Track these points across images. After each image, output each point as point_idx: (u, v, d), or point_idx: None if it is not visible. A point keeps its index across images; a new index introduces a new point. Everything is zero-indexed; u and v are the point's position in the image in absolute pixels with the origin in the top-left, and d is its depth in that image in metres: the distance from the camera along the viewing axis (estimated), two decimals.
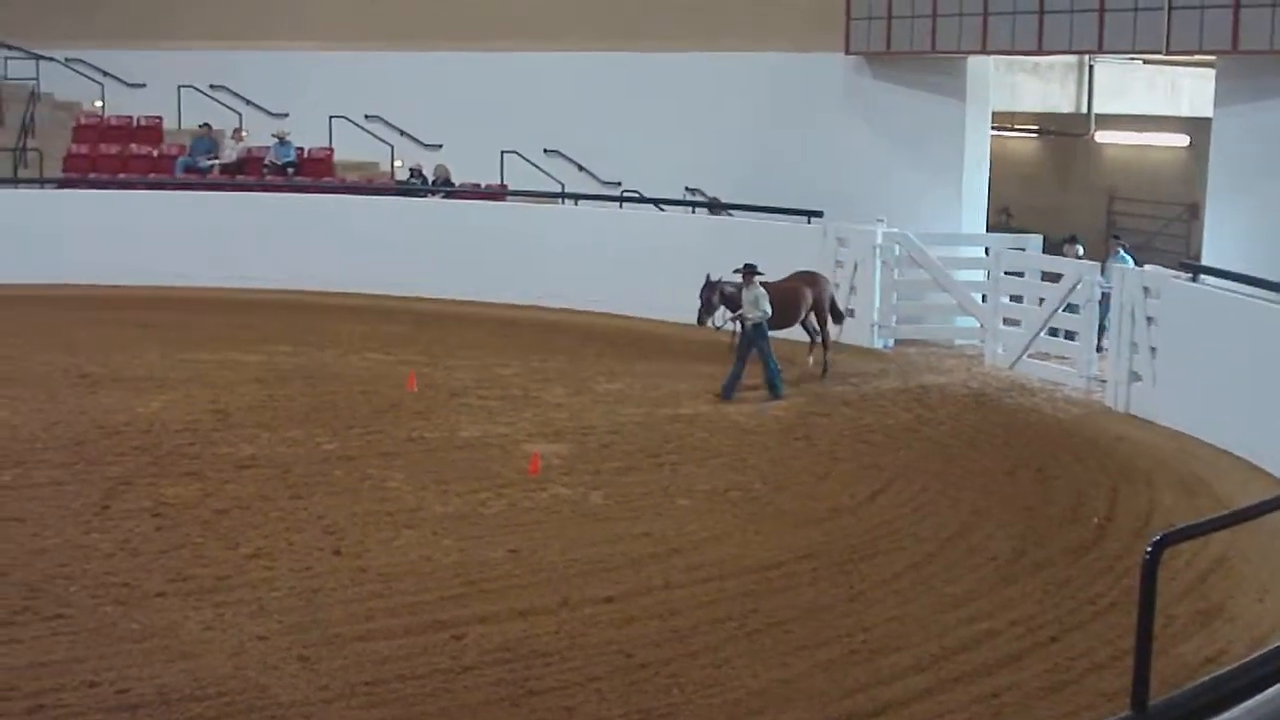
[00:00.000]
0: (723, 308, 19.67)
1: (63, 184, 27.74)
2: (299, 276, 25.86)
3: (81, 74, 29.68)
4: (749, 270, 19.23)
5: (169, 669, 10.26)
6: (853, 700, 10.15)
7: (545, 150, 27.91)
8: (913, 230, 23.17)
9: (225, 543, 12.99)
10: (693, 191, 26.83)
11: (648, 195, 26.33)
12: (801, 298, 20.53)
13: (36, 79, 29.63)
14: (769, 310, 19.15)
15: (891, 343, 23.29)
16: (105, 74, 29.85)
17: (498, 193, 27.67)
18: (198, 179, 28.23)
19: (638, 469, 15.91)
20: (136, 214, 26.38)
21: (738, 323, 19.50)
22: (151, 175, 28.48)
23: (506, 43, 28.24)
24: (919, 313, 24.18)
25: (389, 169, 29.13)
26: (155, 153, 29.10)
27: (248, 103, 29.53)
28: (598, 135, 27.58)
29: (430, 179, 27.54)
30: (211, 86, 29.29)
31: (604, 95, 27.50)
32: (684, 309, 20.43)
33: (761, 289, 19.22)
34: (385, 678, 10.28)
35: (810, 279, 20.95)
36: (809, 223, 23.71)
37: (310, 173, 28.78)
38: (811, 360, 20.90)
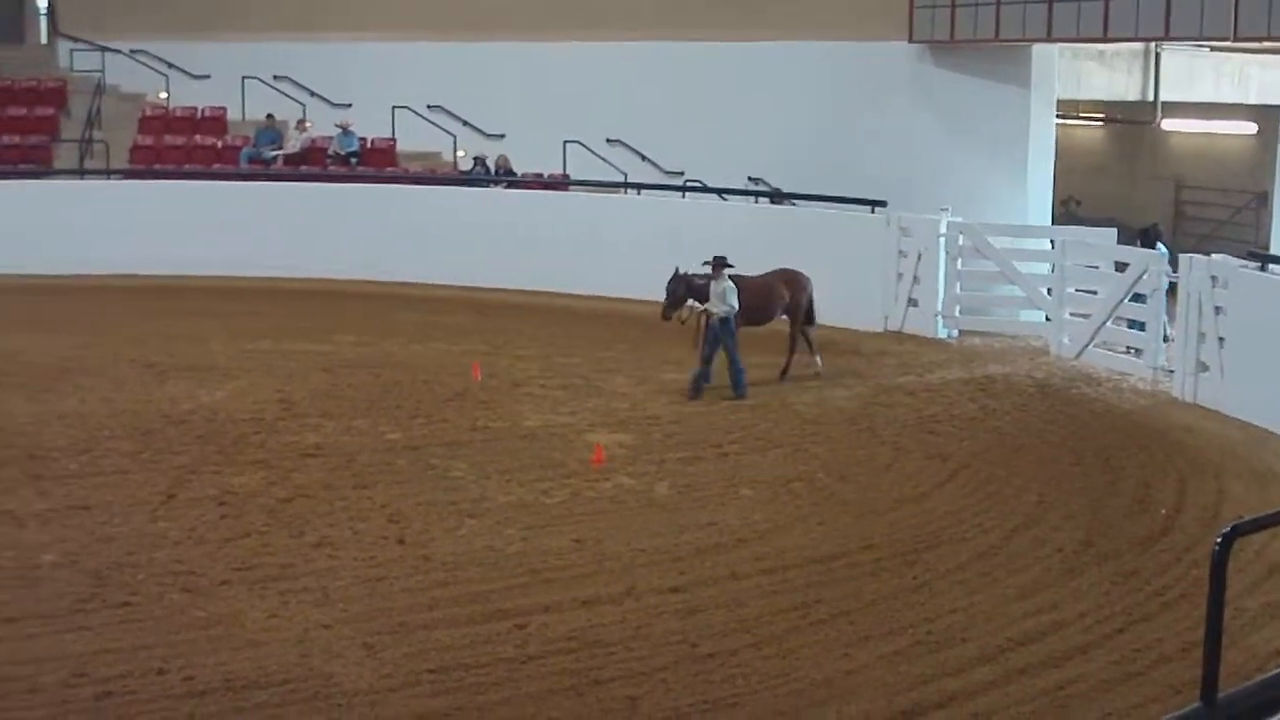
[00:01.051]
0: (692, 300, 18.96)
1: (128, 175, 28.01)
2: (363, 266, 25.98)
3: (147, 66, 29.91)
4: (718, 263, 18.55)
5: (235, 657, 10.33)
6: (918, 691, 10.08)
7: (608, 140, 27.90)
8: (977, 220, 23.01)
9: (290, 531, 13.07)
10: (755, 181, 26.75)
11: (711, 185, 26.25)
12: (776, 295, 19.63)
13: (102, 71, 29.91)
14: (735, 305, 18.39)
15: (956, 333, 23.14)
16: (170, 66, 30.05)
17: (560, 182, 27.68)
18: (262, 169, 28.45)
19: (701, 459, 15.86)
20: (201, 205, 26.55)
21: (704, 316, 18.63)
22: (216, 166, 28.73)
23: (569, 32, 28.24)
24: (983, 303, 24.00)
25: (451, 159, 29.21)
26: (220, 144, 29.38)
27: (311, 93, 29.67)
28: (660, 125, 27.54)
29: (492, 169, 27.58)
30: (275, 77, 29.43)
31: (667, 85, 27.48)
32: None
33: (730, 283, 18.47)
34: (449, 666, 10.29)
35: (790, 277, 19.98)
36: (872, 212, 23.54)
37: (373, 163, 28.92)
38: (819, 360, 19.99)
